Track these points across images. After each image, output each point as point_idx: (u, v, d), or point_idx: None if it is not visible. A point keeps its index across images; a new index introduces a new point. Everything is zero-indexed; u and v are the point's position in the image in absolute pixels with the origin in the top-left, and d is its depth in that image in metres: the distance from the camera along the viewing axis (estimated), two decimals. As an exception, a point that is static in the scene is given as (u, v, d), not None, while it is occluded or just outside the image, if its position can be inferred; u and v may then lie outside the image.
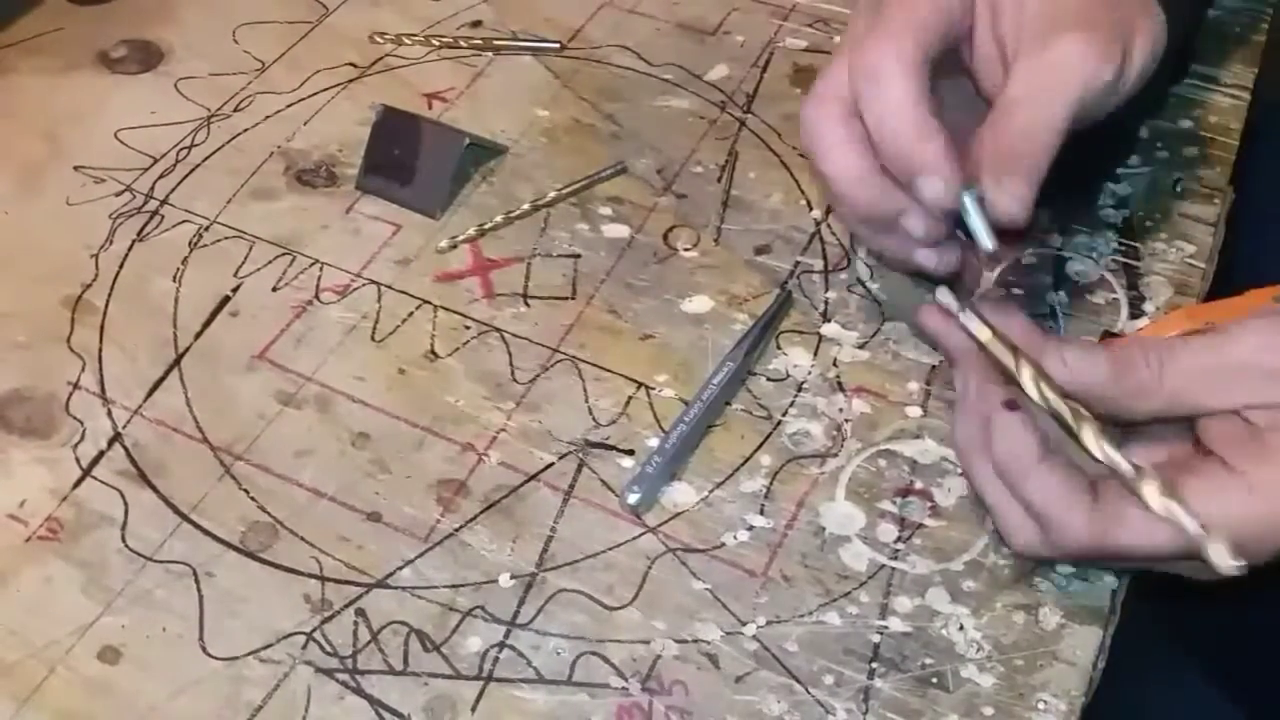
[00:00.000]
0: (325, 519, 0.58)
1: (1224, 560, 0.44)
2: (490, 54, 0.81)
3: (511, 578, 0.56)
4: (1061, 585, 0.55)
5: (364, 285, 0.68)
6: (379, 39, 0.82)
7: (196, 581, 0.56)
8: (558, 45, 0.81)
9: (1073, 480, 0.47)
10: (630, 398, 0.62)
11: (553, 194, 0.71)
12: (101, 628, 0.54)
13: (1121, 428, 0.50)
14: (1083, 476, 0.48)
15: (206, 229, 0.71)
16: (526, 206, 0.70)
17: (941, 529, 0.57)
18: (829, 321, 0.66)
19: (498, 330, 0.66)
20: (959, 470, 0.59)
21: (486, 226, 0.69)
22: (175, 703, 0.52)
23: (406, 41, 0.82)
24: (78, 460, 0.60)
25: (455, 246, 0.69)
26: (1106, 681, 0.53)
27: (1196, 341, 0.48)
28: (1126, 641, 0.54)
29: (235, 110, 0.78)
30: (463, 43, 0.81)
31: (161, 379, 0.63)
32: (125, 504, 0.58)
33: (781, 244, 0.70)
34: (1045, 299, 0.66)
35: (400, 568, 0.56)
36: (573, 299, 0.67)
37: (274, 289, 0.68)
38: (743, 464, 0.60)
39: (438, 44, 0.82)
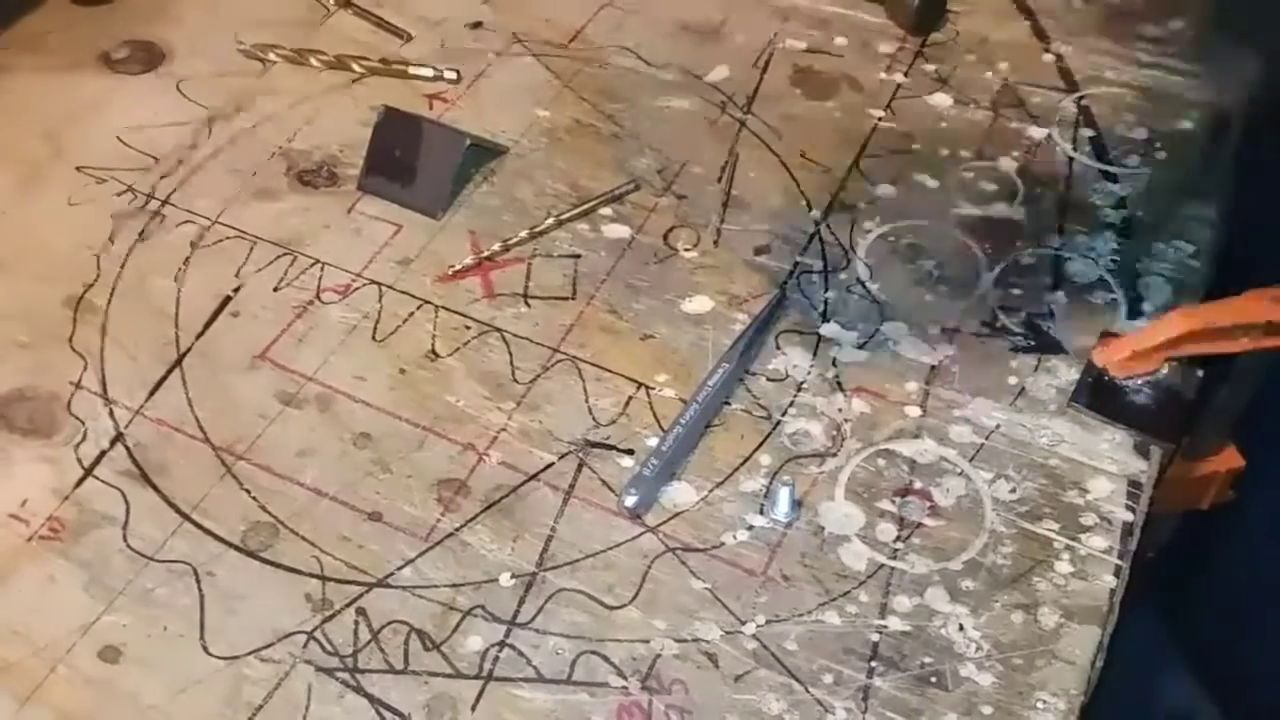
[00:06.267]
0: (326, 518, 0.58)
1: None
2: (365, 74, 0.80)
3: (512, 577, 0.56)
4: (1060, 584, 0.55)
5: (365, 285, 0.68)
6: (255, 49, 0.81)
7: (197, 581, 0.56)
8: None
9: None
10: (630, 398, 0.63)
11: (551, 220, 0.70)
12: (103, 627, 0.54)
13: None
14: None
15: (208, 229, 0.71)
16: (524, 234, 0.69)
17: (940, 528, 0.57)
18: (828, 321, 0.66)
19: (498, 330, 0.66)
20: (958, 470, 0.59)
21: (484, 255, 0.69)
22: (176, 702, 0.52)
23: (274, 58, 0.81)
24: (79, 460, 0.60)
25: (454, 273, 0.68)
26: (1105, 680, 0.53)
27: None
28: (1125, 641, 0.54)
29: (237, 110, 0.78)
30: (355, 66, 0.79)
31: (163, 379, 0.64)
32: (127, 503, 0.58)
33: (781, 244, 0.70)
34: (1043, 299, 0.66)
35: (401, 567, 0.56)
36: (573, 299, 0.67)
37: (275, 289, 0.68)
38: (742, 464, 0.60)
39: (319, 64, 0.80)
